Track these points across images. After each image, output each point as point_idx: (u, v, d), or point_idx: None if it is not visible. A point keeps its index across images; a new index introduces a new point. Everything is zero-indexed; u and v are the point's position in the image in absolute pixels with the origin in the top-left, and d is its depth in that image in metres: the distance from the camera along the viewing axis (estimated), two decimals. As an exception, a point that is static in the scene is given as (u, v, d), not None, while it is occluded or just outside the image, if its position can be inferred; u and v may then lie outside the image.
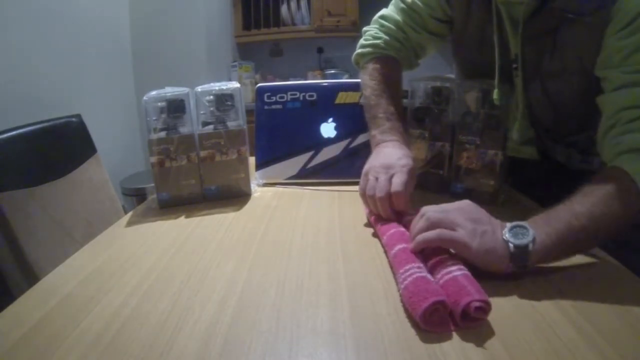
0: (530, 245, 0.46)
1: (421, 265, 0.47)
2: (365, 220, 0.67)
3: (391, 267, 0.51)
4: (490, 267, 0.48)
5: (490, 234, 0.48)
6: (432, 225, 0.50)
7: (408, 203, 0.61)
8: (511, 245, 0.47)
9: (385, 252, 0.55)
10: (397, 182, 0.61)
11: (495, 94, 0.68)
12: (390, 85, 0.78)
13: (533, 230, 0.47)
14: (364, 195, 0.65)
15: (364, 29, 0.85)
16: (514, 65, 0.70)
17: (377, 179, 0.63)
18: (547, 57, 0.67)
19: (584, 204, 0.49)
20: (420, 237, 0.49)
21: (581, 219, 0.48)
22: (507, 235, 0.47)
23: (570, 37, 0.63)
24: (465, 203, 0.52)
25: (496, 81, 0.70)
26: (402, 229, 0.57)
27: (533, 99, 0.73)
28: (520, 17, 0.66)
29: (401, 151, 0.68)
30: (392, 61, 0.80)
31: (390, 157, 0.66)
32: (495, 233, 0.48)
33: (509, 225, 0.49)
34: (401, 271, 0.46)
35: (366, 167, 0.68)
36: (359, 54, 0.83)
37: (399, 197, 0.60)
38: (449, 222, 0.49)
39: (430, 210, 0.52)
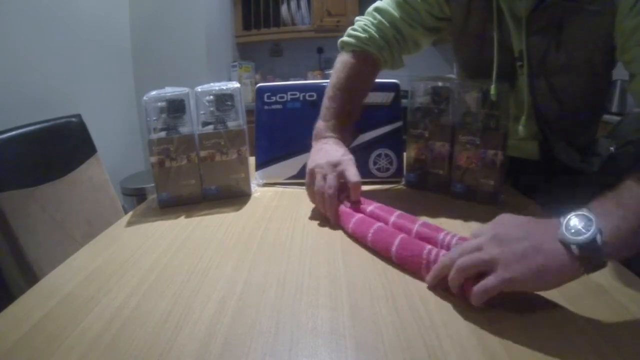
0: (599, 238, 0.37)
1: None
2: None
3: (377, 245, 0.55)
4: (556, 283, 0.40)
5: (532, 250, 0.39)
6: (464, 275, 0.42)
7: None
8: (574, 247, 0.38)
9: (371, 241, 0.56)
10: (352, 174, 0.65)
11: (492, 90, 0.68)
12: (357, 83, 0.78)
13: (596, 218, 0.38)
14: (311, 191, 0.69)
15: (357, 18, 0.82)
16: (519, 63, 0.70)
17: (324, 176, 0.66)
18: (553, 51, 0.66)
19: None
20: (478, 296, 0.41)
21: None
22: (566, 236, 0.39)
23: (576, 29, 0.63)
24: (499, 223, 0.44)
25: (494, 77, 0.69)
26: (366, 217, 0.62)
27: (538, 95, 0.72)
28: (522, 13, 0.65)
29: (342, 148, 0.72)
30: (369, 59, 0.79)
31: (334, 154, 0.70)
32: (541, 244, 0.40)
33: (564, 221, 0.40)
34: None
35: (310, 164, 0.70)
36: (342, 41, 0.82)
37: (357, 188, 0.65)
38: (484, 264, 0.41)
39: (461, 253, 0.43)
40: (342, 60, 0.80)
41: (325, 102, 0.77)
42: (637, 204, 0.39)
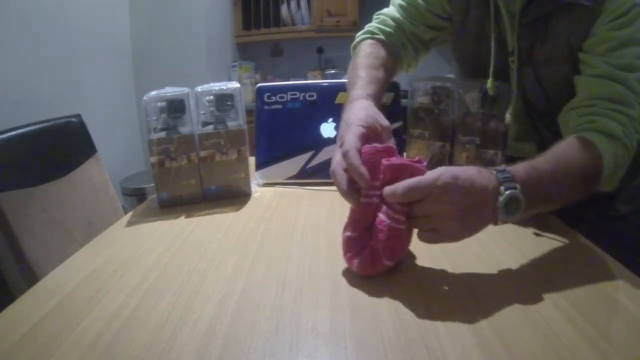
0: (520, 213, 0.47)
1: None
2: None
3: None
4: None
5: (471, 228, 0.48)
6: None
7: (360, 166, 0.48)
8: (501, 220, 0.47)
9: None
10: (347, 141, 0.51)
11: (489, 83, 0.69)
12: (372, 60, 0.74)
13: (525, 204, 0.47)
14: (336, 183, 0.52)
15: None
16: (511, 58, 0.71)
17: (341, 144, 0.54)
18: (539, 44, 0.68)
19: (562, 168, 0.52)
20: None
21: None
22: (502, 216, 0.47)
23: (561, 24, 0.65)
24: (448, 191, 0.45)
25: (491, 71, 0.71)
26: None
27: (527, 85, 0.74)
28: (517, 8, 0.67)
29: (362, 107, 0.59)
30: (381, 43, 0.78)
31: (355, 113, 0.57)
32: (482, 221, 0.48)
33: (502, 201, 0.46)
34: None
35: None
36: (353, 45, 0.82)
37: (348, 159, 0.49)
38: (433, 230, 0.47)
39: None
40: (360, 48, 0.77)
41: (348, 85, 0.70)
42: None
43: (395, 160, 0.48)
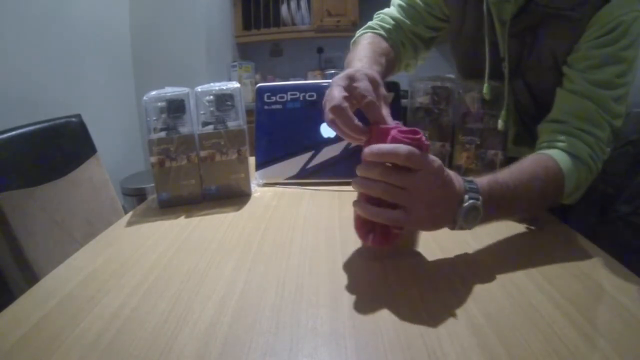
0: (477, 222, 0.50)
1: None
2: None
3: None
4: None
5: (440, 217, 0.49)
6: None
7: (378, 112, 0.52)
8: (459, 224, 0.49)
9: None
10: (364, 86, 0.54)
11: (485, 89, 0.69)
12: (377, 47, 0.74)
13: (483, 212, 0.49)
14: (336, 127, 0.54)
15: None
16: (503, 64, 0.72)
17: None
18: (526, 53, 0.69)
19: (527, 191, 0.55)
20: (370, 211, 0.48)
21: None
22: (460, 222, 0.49)
23: (548, 34, 0.66)
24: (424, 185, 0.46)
25: (486, 77, 0.71)
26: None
27: (517, 91, 0.74)
28: (508, 17, 0.67)
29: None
30: (381, 38, 0.79)
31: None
32: (446, 215, 0.49)
33: (464, 210, 0.48)
34: None
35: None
36: (353, 41, 0.82)
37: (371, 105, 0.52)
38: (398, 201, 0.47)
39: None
40: (355, 44, 0.78)
41: (346, 66, 0.69)
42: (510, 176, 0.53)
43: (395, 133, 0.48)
